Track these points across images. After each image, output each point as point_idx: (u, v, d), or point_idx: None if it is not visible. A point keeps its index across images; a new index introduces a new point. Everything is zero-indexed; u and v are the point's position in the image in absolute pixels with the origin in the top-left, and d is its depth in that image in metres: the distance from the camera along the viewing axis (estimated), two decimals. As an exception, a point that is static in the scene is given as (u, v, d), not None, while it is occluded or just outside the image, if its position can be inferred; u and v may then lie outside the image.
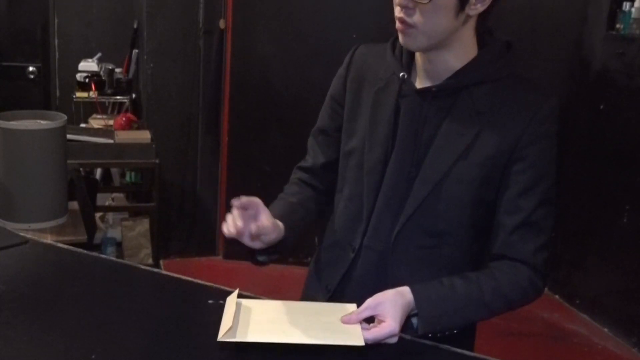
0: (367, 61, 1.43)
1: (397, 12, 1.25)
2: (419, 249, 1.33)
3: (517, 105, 1.28)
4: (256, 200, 1.24)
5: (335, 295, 1.42)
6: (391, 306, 1.20)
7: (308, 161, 1.51)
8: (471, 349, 1.34)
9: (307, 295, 1.50)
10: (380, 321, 1.20)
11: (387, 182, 1.34)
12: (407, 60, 1.35)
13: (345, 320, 1.20)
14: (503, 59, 1.31)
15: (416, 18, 1.23)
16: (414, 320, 1.25)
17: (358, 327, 1.19)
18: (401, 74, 1.34)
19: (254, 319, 1.22)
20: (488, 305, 1.28)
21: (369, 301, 1.22)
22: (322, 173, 1.49)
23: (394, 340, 1.19)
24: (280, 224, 1.29)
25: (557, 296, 3.78)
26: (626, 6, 3.36)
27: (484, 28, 1.32)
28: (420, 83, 1.34)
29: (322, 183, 1.49)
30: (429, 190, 1.30)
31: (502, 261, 1.31)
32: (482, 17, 1.28)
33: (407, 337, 1.24)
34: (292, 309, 1.26)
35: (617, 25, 3.41)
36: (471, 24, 1.28)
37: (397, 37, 1.33)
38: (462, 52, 1.29)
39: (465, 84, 1.29)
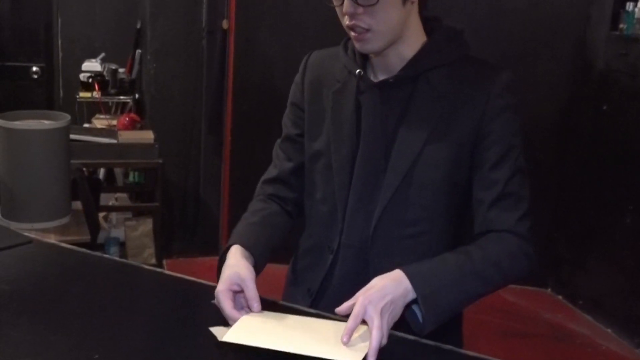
0: (322, 65, 1.45)
1: (347, 21, 1.26)
2: (399, 239, 1.34)
3: (474, 84, 1.30)
4: (242, 284, 1.25)
5: (318, 298, 1.42)
6: (373, 310, 1.14)
7: (273, 172, 1.49)
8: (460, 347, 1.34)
9: (288, 301, 1.46)
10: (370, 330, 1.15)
11: (357, 178, 1.35)
12: (361, 58, 1.37)
13: (344, 342, 1.14)
14: (454, 42, 1.34)
15: (368, 21, 1.24)
16: (415, 308, 1.22)
17: (365, 346, 1.14)
18: (357, 71, 1.35)
19: (260, 325, 1.21)
20: (481, 275, 1.26)
21: (355, 309, 1.15)
22: (291, 180, 1.47)
23: (384, 339, 1.14)
24: (249, 266, 1.28)
25: (560, 297, 3.78)
26: (629, 6, 3.35)
27: (429, 14, 1.34)
28: (376, 77, 1.36)
29: (292, 190, 1.48)
30: (400, 178, 1.31)
31: (488, 235, 1.31)
32: (422, 1, 1.30)
33: (410, 337, 1.24)
34: (302, 322, 1.25)
35: (621, 26, 3.40)
36: (415, 10, 1.30)
37: (349, 38, 1.35)
38: (413, 40, 1.32)
39: (421, 70, 1.31)
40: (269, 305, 1.29)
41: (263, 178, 1.51)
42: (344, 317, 1.20)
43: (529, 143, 3.54)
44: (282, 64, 3.73)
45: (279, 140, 1.51)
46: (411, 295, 1.20)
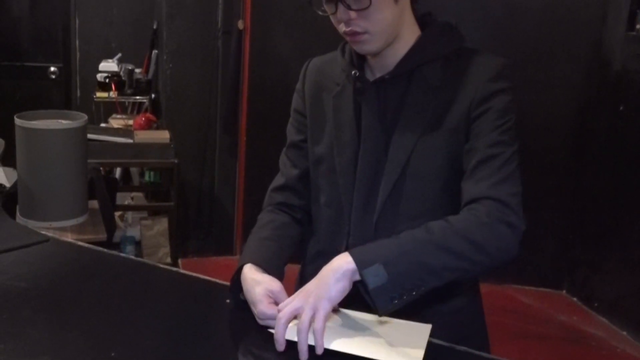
0: (321, 71, 1.46)
1: (342, 27, 1.27)
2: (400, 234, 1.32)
3: (467, 73, 1.30)
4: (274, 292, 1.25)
5: None
6: (290, 309, 1.16)
7: (280, 180, 1.49)
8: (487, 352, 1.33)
9: None
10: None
11: (359, 179, 1.35)
12: (358, 59, 1.37)
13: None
14: (447, 36, 1.34)
15: (363, 24, 1.25)
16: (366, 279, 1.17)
17: (421, 350, 1.15)
18: (353, 72, 1.36)
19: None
20: (443, 246, 1.18)
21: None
22: (298, 186, 1.47)
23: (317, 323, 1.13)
24: (273, 278, 1.28)
25: (575, 299, 3.75)
26: (646, 7, 3.33)
27: (422, 10, 1.34)
28: (374, 76, 1.36)
29: (300, 197, 1.47)
30: (398, 172, 1.31)
31: (466, 206, 1.25)
32: None
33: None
34: (361, 320, 1.23)
35: (637, 26, 3.38)
36: (408, 7, 1.30)
37: (346, 42, 1.37)
38: (408, 37, 1.32)
39: (415, 64, 1.31)
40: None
41: (271, 186, 1.51)
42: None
43: (545, 144, 3.54)
44: (297, 64, 3.68)
45: (284, 149, 1.52)
46: (348, 271, 1.16)
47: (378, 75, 1.35)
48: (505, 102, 1.28)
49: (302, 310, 1.14)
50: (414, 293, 1.17)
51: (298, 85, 1.50)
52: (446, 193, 1.31)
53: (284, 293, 1.24)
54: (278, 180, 1.50)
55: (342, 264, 1.17)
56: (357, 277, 1.16)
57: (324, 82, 1.44)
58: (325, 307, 1.13)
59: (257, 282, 1.25)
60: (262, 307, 1.21)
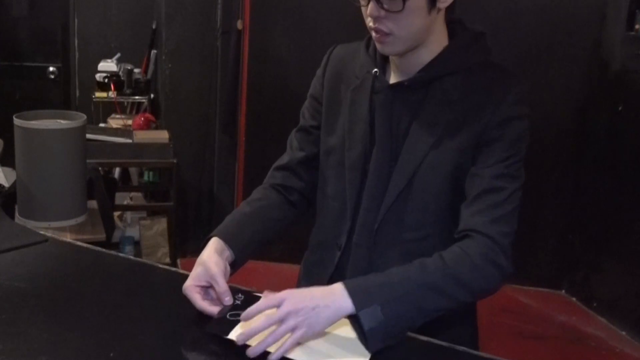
0: (344, 61, 1.45)
1: (370, 22, 1.26)
2: (403, 242, 1.33)
3: (486, 91, 1.28)
4: (208, 275, 1.26)
5: None
6: (289, 305, 1.13)
7: (285, 159, 1.50)
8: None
9: None
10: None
11: (370, 179, 1.35)
12: (381, 57, 1.37)
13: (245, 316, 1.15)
14: (473, 48, 1.32)
15: (390, 26, 1.24)
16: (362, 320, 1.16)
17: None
18: (373, 71, 1.35)
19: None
20: (437, 288, 1.19)
21: (276, 295, 1.16)
22: (299, 169, 1.48)
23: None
24: (219, 261, 1.28)
25: (574, 299, 3.75)
26: (646, 7, 3.33)
27: (454, 18, 1.33)
28: (394, 78, 1.36)
29: (300, 179, 1.48)
30: (405, 182, 1.30)
31: (461, 241, 1.25)
32: (450, 6, 1.29)
33: (422, 337, 1.24)
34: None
35: (636, 26, 3.38)
36: (441, 16, 1.29)
37: (371, 36, 1.35)
38: (434, 45, 1.31)
39: (436, 75, 1.30)
40: (252, 296, 1.29)
41: (274, 164, 1.52)
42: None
43: (545, 144, 3.54)
44: (296, 65, 3.74)
45: (295, 129, 1.52)
46: (344, 310, 1.16)
47: (398, 76, 1.35)
48: (520, 130, 1.27)
49: (286, 323, 1.12)
50: (403, 333, 1.19)
51: (319, 71, 1.49)
52: (450, 206, 1.31)
53: (221, 278, 1.25)
54: (283, 159, 1.51)
55: (342, 306, 1.15)
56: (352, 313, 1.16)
57: (344, 73, 1.43)
58: (307, 336, 1.14)
59: (201, 263, 1.28)
60: (185, 284, 1.27)
